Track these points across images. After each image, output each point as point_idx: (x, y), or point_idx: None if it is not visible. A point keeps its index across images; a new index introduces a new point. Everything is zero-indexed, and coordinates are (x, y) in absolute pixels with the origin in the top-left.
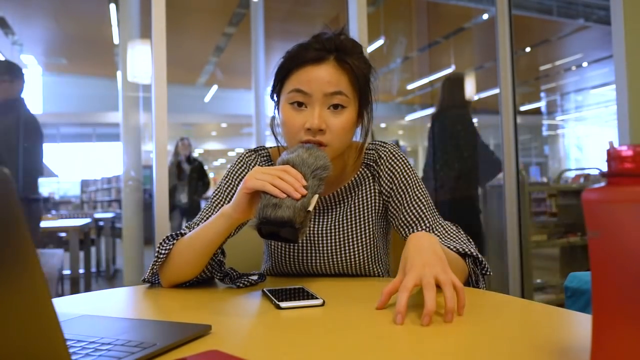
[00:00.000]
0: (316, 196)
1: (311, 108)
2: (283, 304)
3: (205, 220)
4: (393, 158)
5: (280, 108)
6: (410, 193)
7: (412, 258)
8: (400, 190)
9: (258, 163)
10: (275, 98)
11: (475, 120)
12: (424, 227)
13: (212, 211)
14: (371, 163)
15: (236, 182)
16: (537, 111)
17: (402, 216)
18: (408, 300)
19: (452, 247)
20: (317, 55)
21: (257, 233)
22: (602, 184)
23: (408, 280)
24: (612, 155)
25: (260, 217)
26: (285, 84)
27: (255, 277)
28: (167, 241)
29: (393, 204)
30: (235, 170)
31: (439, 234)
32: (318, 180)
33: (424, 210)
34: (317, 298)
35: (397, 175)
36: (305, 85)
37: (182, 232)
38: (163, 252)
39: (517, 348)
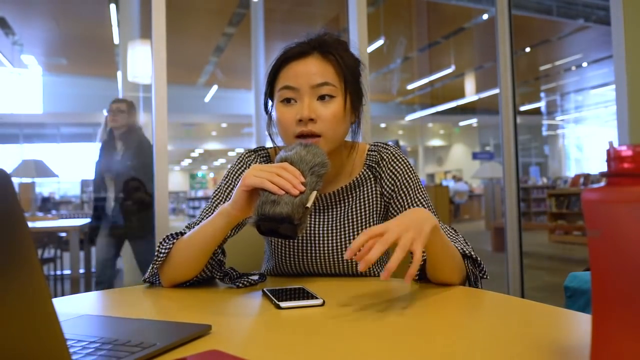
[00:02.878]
0: (314, 192)
1: (300, 101)
2: (283, 304)
3: (205, 220)
4: (395, 160)
5: (274, 109)
6: (411, 194)
7: (402, 216)
8: (401, 191)
9: (257, 163)
10: (270, 103)
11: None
12: None
13: (211, 211)
14: (373, 164)
15: (235, 182)
16: (537, 111)
17: None
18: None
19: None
20: (300, 50)
21: (257, 230)
22: (602, 183)
23: (390, 235)
24: (612, 155)
25: (259, 214)
26: (275, 85)
27: (255, 277)
28: (167, 240)
29: (394, 205)
30: (235, 170)
31: None
32: (316, 177)
33: None
34: (317, 298)
35: (399, 177)
36: (292, 80)
37: (182, 231)
38: (163, 251)
39: (517, 348)
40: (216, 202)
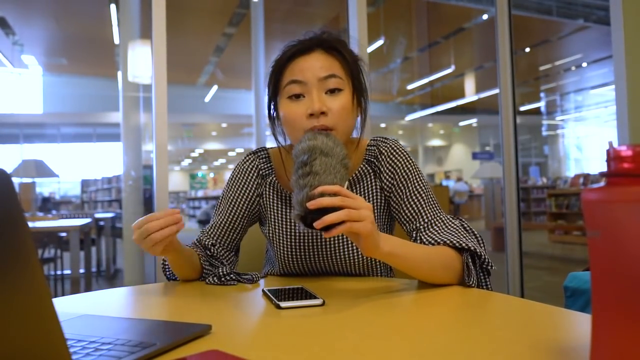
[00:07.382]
0: (346, 183)
1: (309, 95)
2: (283, 304)
3: (213, 230)
4: (394, 153)
5: (280, 106)
6: (410, 187)
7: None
8: (400, 185)
9: (258, 165)
10: (273, 104)
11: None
12: (423, 222)
13: (219, 217)
14: (372, 159)
15: (239, 191)
16: (537, 111)
17: (402, 211)
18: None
19: (447, 240)
20: (303, 46)
21: (302, 223)
22: (602, 183)
23: (352, 202)
24: (612, 155)
25: (306, 208)
26: (280, 82)
27: (247, 277)
28: None
29: (394, 199)
30: (237, 177)
31: (437, 228)
32: (345, 168)
33: (424, 205)
34: (317, 298)
35: (398, 170)
36: (298, 74)
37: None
38: (165, 264)
39: (517, 348)
40: (220, 210)
